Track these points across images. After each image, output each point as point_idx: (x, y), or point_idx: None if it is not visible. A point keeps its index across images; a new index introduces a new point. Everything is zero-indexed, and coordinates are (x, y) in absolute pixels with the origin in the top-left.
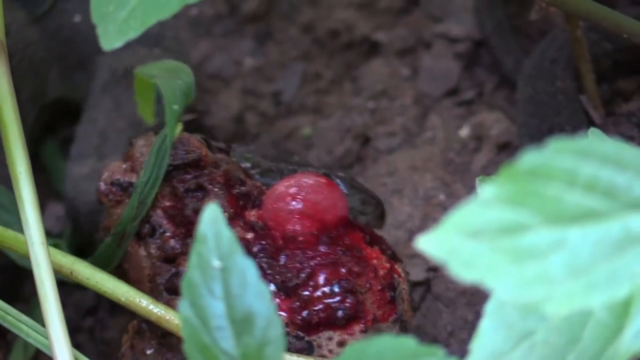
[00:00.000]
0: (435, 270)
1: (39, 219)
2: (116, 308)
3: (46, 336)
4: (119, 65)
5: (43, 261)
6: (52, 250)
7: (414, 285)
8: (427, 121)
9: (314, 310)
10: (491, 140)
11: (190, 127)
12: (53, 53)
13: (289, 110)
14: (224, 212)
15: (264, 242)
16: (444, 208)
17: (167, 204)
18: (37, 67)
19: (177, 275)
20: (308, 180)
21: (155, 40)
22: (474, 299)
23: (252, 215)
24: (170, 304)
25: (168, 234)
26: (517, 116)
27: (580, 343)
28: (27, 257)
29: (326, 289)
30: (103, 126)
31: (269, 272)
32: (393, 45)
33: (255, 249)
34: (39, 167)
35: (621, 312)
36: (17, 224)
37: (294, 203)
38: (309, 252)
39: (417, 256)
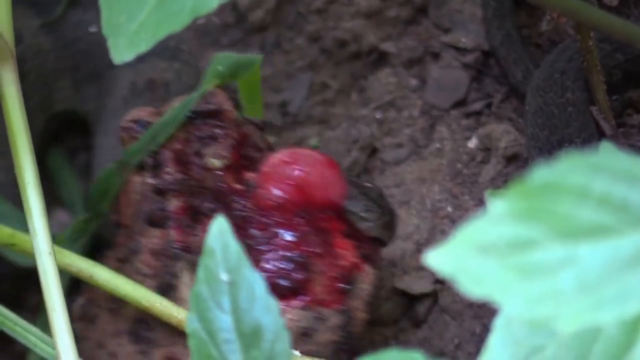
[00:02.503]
0: (442, 282)
1: (47, 229)
2: None
3: (53, 347)
4: (138, 79)
5: (50, 270)
6: (71, 254)
7: (421, 297)
8: (435, 132)
9: (264, 272)
10: (500, 152)
11: None
12: (65, 63)
13: (295, 120)
14: (222, 158)
15: (245, 197)
16: (451, 220)
17: (178, 146)
18: (47, 76)
19: (161, 209)
20: (308, 154)
21: (173, 54)
22: (482, 311)
23: (249, 175)
24: (146, 234)
25: (167, 170)
26: (526, 128)
27: (590, 359)
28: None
29: (281, 256)
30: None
31: (239, 224)
32: (401, 55)
33: (236, 199)
34: (44, 175)
35: (631, 328)
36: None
37: (284, 169)
38: (281, 219)
39: (424, 269)
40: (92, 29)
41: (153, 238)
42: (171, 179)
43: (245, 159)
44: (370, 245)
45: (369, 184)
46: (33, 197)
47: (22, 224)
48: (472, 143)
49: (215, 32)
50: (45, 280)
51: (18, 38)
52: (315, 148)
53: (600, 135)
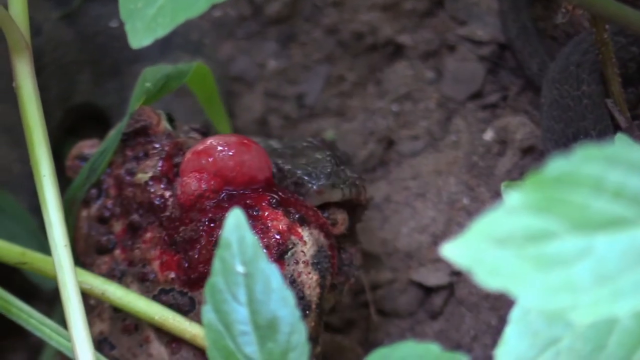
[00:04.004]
0: (458, 274)
1: (62, 222)
2: None
3: (68, 339)
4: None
5: (66, 263)
6: (82, 272)
7: (437, 289)
8: (451, 124)
9: (197, 265)
10: (515, 144)
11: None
12: (85, 56)
13: (312, 112)
14: (149, 171)
15: (171, 202)
16: (467, 212)
17: (117, 171)
18: (67, 69)
19: (107, 236)
20: (219, 140)
21: (196, 47)
22: (498, 303)
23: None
24: (96, 263)
25: (109, 197)
26: (542, 120)
27: (606, 350)
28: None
29: (210, 245)
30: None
31: (166, 228)
32: (417, 48)
33: (163, 206)
34: (59, 168)
35: None
36: (22, 231)
37: (198, 161)
38: (204, 209)
39: (441, 260)
40: (113, 24)
41: (102, 265)
42: (111, 205)
43: (175, 166)
44: (307, 207)
45: (327, 152)
46: (49, 189)
47: (36, 242)
48: (488, 135)
49: (231, 24)
50: (61, 272)
51: (37, 30)
52: (332, 140)
53: (615, 127)
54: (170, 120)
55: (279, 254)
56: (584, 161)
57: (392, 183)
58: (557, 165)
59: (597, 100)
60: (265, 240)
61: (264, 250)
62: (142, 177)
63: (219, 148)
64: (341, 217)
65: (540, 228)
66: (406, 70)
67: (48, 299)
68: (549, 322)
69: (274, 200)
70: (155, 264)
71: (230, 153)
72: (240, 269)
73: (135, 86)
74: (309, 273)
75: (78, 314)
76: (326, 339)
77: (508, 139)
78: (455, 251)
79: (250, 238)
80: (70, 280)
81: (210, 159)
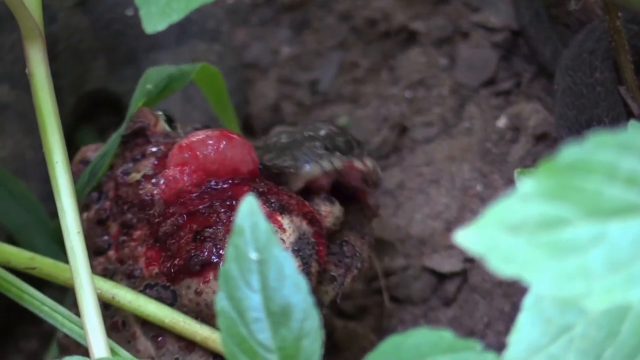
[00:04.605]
0: (471, 261)
1: (75, 209)
2: None
3: (81, 326)
4: (180, 61)
5: (79, 250)
6: (93, 276)
7: (451, 275)
8: (465, 111)
9: (176, 258)
10: (529, 130)
11: None
12: (100, 44)
13: (325, 99)
14: (146, 170)
15: (157, 198)
16: (481, 199)
17: (116, 172)
18: (82, 56)
19: (104, 238)
20: (201, 135)
21: (213, 35)
22: (511, 290)
23: None
24: (92, 265)
25: (108, 199)
26: (555, 107)
27: (619, 337)
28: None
29: (189, 237)
30: (180, 118)
31: (152, 224)
32: (430, 34)
33: (151, 203)
34: (72, 153)
35: None
36: (32, 218)
37: (181, 156)
38: (186, 202)
39: (454, 247)
40: (128, 12)
41: (98, 266)
42: (109, 206)
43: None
44: (290, 197)
45: (319, 131)
46: (61, 176)
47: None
48: (502, 122)
49: (245, 11)
50: (74, 259)
51: (52, 17)
52: (345, 126)
53: (628, 114)
54: (170, 120)
55: None
56: (597, 148)
57: (406, 169)
58: (570, 152)
59: (610, 87)
60: None
61: None
62: (134, 176)
63: (202, 142)
64: (325, 208)
65: (553, 215)
66: (419, 56)
67: (60, 286)
68: (562, 309)
69: (254, 191)
70: (142, 261)
71: (213, 146)
72: (253, 255)
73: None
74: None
75: (91, 301)
76: (339, 326)
77: (521, 125)
78: (469, 238)
79: (264, 225)
80: (82, 268)
81: (192, 153)
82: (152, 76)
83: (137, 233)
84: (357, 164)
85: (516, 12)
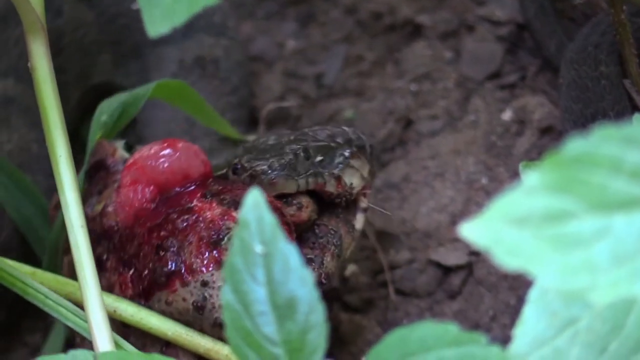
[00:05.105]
0: (477, 254)
1: (79, 202)
2: None
3: (85, 319)
4: (186, 55)
5: (83, 244)
6: None
7: (456, 268)
8: (470, 104)
9: (145, 275)
10: (534, 124)
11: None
12: (105, 37)
13: (331, 92)
14: (107, 200)
15: (117, 222)
16: (486, 192)
17: (86, 208)
18: (87, 50)
19: None
20: (146, 151)
21: (220, 30)
22: (516, 283)
23: None
24: None
25: None
26: (561, 101)
27: (624, 330)
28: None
29: (152, 253)
30: (186, 113)
31: (118, 250)
32: (436, 27)
33: (116, 230)
34: (77, 147)
35: None
36: (37, 212)
37: (130, 175)
38: (144, 219)
39: (459, 240)
40: (134, 7)
41: None
42: None
43: None
44: (244, 189)
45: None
46: (64, 170)
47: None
48: (507, 115)
49: (251, 4)
50: (77, 253)
51: (57, 11)
52: (350, 120)
53: (633, 108)
54: (129, 147)
55: (214, 242)
56: (602, 141)
57: (411, 163)
58: (576, 145)
59: (615, 80)
60: (199, 234)
61: (199, 243)
62: (98, 208)
63: (146, 156)
64: (305, 200)
65: (558, 208)
66: (425, 50)
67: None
68: (567, 302)
69: (207, 193)
70: (117, 288)
71: (157, 158)
72: (258, 249)
73: (158, 69)
74: None
75: (94, 295)
76: (345, 319)
77: (526, 118)
78: (474, 231)
79: (269, 218)
80: (86, 260)
81: (139, 169)
82: (106, 107)
83: (108, 264)
84: (330, 186)
85: (521, 5)
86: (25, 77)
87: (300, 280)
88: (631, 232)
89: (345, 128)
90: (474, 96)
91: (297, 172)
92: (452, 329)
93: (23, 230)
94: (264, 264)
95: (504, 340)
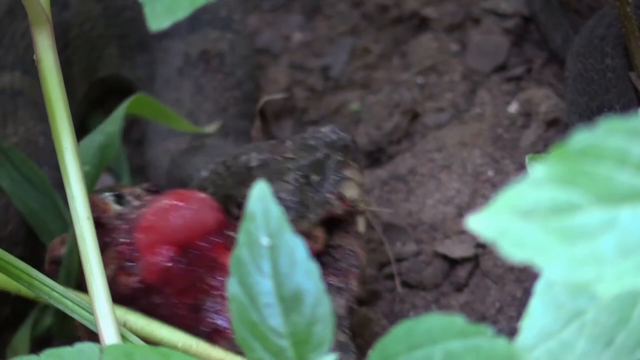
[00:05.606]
0: (483, 246)
1: (85, 194)
2: None
3: (91, 312)
4: (191, 49)
5: (89, 236)
6: None
7: (463, 261)
8: (476, 97)
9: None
10: (540, 116)
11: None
12: (112, 30)
13: (337, 85)
14: (116, 263)
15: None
16: (492, 184)
17: None
18: (94, 43)
19: None
20: (155, 209)
21: (225, 23)
22: (523, 275)
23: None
24: None
25: None
26: (566, 94)
27: (630, 322)
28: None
29: (187, 313)
30: (190, 108)
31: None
32: (442, 20)
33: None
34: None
35: None
36: (49, 204)
37: (145, 239)
38: (171, 279)
39: (466, 232)
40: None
41: None
42: None
43: (133, 244)
44: None
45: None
46: (70, 162)
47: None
48: (513, 108)
49: None
50: (83, 245)
51: (64, 4)
52: (356, 112)
53: (639, 100)
54: (119, 198)
55: None
56: (608, 134)
57: (417, 155)
58: (581, 138)
59: (620, 73)
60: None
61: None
62: (108, 274)
63: (160, 216)
64: (319, 234)
65: (564, 200)
66: (431, 42)
67: None
68: (574, 294)
69: (228, 243)
70: None
71: (173, 216)
72: (265, 241)
73: (164, 62)
74: None
75: (100, 286)
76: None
77: (532, 111)
78: (480, 223)
79: (275, 210)
80: (92, 253)
81: (154, 230)
82: (85, 156)
83: None
84: (338, 209)
85: None
86: (32, 70)
87: (306, 272)
88: (637, 225)
89: (322, 129)
90: (480, 89)
91: (305, 205)
92: (458, 321)
93: (30, 222)
94: (270, 256)
95: (510, 332)
